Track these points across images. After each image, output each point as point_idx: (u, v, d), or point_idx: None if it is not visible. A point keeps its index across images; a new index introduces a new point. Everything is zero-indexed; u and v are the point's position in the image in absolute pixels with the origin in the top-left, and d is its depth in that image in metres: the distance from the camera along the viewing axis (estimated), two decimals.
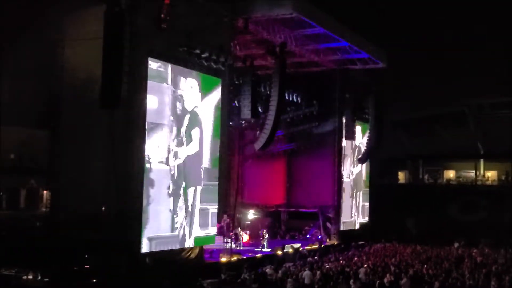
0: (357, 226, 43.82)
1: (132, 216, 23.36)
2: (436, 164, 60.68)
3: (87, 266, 22.67)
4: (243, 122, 37.24)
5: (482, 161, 59.32)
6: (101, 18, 21.31)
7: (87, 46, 23.75)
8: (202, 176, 27.16)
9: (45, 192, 29.87)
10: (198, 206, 26.81)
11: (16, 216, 29.13)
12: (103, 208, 23.37)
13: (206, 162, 27.52)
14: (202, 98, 27.23)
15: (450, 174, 60.92)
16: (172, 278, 23.24)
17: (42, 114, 26.85)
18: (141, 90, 23.76)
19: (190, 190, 26.36)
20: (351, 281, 23.66)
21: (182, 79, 26.06)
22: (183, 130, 25.94)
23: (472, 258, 32.56)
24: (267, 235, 33.68)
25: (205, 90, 27.47)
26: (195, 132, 26.73)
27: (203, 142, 27.24)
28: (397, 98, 49.75)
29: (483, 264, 29.66)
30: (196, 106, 26.82)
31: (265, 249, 32.67)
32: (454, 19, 56.47)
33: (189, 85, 26.44)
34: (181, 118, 25.92)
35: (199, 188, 26.88)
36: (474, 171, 59.41)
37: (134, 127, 23.69)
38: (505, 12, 54.97)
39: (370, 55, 38.40)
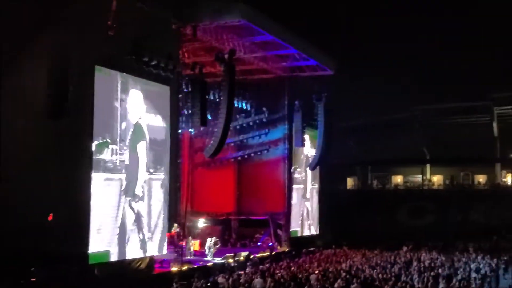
0: (308, 233, 44.01)
1: (80, 227, 22.93)
2: (384, 169, 61.68)
3: (34, 279, 22.11)
4: (192, 130, 37.12)
5: (428, 166, 60.57)
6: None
7: (33, 55, 23.19)
8: (145, 187, 26.80)
9: None
10: (144, 217, 26.55)
11: None
12: (49, 219, 22.82)
13: (148, 174, 27.24)
14: (147, 109, 26.88)
15: (398, 179, 61.99)
16: None
17: None
18: (88, 99, 23.36)
19: (135, 202, 26.03)
20: (306, 287, 23.76)
21: (128, 90, 25.72)
22: (128, 142, 25.52)
23: (420, 261, 33.10)
24: (213, 246, 33.23)
25: (150, 100, 27.27)
26: (140, 146, 26.35)
27: (147, 154, 26.87)
28: (346, 105, 50.31)
29: (431, 267, 30.15)
30: (141, 118, 26.43)
31: (210, 259, 31.92)
32: (401, 26, 57.65)
33: (134, 97, 26.02)
34: (126, 130, 25.50)
35: (141, 201, 26.52)
36: (421, 176, 60.57)
37: (81, 137, 23.27)
38: (452, 20, 56.55)
39: (319, 62, 38.72)
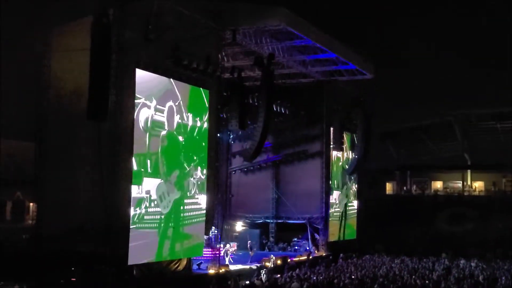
0: (346, 237, 43.76)
1: (119, 227, 23.19)
2: (424, 175, 60.94)
3: (74, 279, 22.48)
4: (230, 134, 37.29)
5: (469, 172, 59.64)
6: (89, 30, 21.27)
7: (74, 57, 23.66)
8: (190, 188, 27.08)
9: (31, 204, 29.67)
10: (186, 217, 26.69)
11: (2, 229, 28.87)
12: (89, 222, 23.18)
13: (193, 175, 27.45)
14: (186, 112, 27.06)
15: (438, 184, 61.17)
16: None
17: (28, 126, 26.65)
18: (128, 102, 23.67)
19: (178, 202, 26.26)
20: None
21: (168, 94, 25.95)
22: (164, 148, 25.63)
23: (459, 268, 32.64)
24: (233, 249, 33.19)
25: (198, 115, 27.56)
26: (178, 150, 26.56)
27: (185, 158, 27.05)
28: (385, 109, 49.94)
29: (471, 275, 29.70)
30: (177, 122, 26.53)
31: (229, 265, 30.62)
32: (441, 30, 57.04)
33: (174, 101, 26.22)
34: (164, 137, 25.72)
35: (186, 200, 26.77)
36: (461, 181, 59.68)
37: (122, 139, 23.55)
38: (491, 23, 55.65)
39: (358, 66, 38.49)
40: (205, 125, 28.35)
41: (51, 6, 24.70)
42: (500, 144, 56.48)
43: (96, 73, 21.12)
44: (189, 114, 27.17)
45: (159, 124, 25.28)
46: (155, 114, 24.95)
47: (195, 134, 27.65)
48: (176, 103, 26.35)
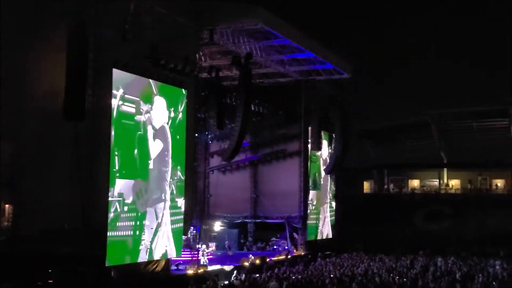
0: (324, 236, 43.93)
1: (97, 229, 23.02)
2: (401, 173, 61.32)
3: (51, 281, 22.29)
4: (208, 133, 37.23)
5: (445, 170, 60.14)
6: (66, 29, 21.11)
7: (51, 57, 23.42)
8: (168, 189, 26.95)
9: (6, 206, 29.28)
10: (165, 220, 26.57)
11: None
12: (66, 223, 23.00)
13: (171, 176, 27.31)
14: (170, 114, 26.85)
15: (415, 183, 61.59)
16: None
17: (4, 126, 26.30)
18: (106, 102, 23.51)
19: (157, 205, 26.11)
20: None
21: (149, 95, 25.75)
22: (150, 147, 25.58)
23: (437, 266, 32.91)
24: (211, 249, 33.07)
25: (172, 105, 27.17)
26: (161, 151, 26.37)
27: (170, 157, 26.92)
28: (362, 109, 50.18)
29: (448, 272, 29.95)
30: (165, 122, 26.53)
31: (207, 266, 30.11)
32: (418, 28, 57.43)
33: (157, 103, 26.03)
34: (148, 133, 25.60)
35: (165, 204, 26.59)
36: (438, 180, 60.17)
37: (99, 139, 23.40)
38: (468, 22, 56.14)
39: (335, 66, 38.65)
40: (180, 116, 27.74)
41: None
42: (476, 142, 57.07)
43: (73, 73, 21.00)
44: (170, 118, 26.94)
45: (127, 116, 24.43)
46: (123, 104, 24.13)
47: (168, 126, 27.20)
48: (148, 94, 25.77)
